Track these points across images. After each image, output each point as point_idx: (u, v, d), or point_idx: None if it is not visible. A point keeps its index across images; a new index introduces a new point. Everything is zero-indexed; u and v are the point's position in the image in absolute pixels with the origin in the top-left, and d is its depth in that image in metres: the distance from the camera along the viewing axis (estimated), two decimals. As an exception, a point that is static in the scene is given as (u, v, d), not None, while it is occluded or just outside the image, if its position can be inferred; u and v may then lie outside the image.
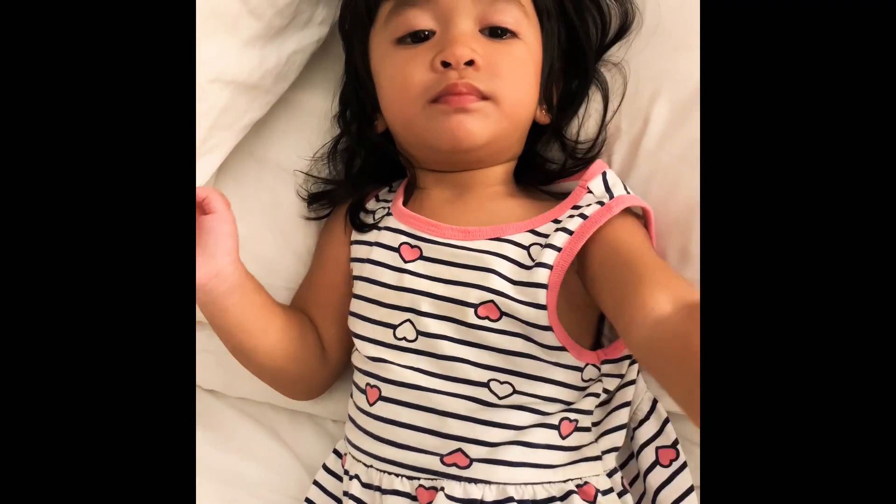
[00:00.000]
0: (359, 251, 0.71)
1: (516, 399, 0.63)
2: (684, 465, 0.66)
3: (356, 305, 0.69)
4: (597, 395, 0.66)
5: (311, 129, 0.77)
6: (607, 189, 0.66)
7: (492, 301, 0.63)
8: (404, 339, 0.65)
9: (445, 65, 0.65)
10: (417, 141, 0.69)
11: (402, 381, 0.65)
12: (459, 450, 0.62)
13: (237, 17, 0.65)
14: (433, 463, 0.63)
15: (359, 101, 0.75)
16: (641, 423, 0.68)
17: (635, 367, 0.68)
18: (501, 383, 0.63)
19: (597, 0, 0.71)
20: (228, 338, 0.69)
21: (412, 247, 0.68)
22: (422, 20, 0.67)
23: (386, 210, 0.72)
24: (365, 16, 0.70)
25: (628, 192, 0.66)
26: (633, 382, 0.68)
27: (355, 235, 0.73)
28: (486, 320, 0.63)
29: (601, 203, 0.65)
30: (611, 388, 0.67)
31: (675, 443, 0.67)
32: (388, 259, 0.68)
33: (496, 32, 0.67)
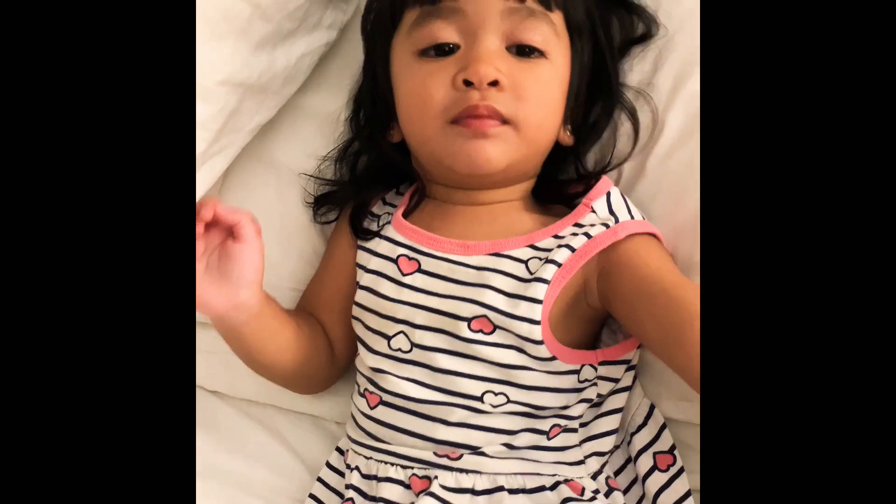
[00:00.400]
0: (361, 257, 0.71)
1: (510, 407, 0.63)
2: (681, 470, 0.66)
3: (356, 311, 0.70)
4: (589, 401, 0.66)
5: (315, 131, 0.77)
6: (611, 211, 0.66)
7: (484, 315, 0.63)
8: (399, 350, 0.65)
9: (468, 83, 0.63)
10: (433, 159, 0.68)
11: (399, 393, 0.65)
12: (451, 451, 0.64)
13: (248, 20, 0.66)
14: (426, 455, 0.63)
15: (374, 106, 0.73)
16: (639, 428, 0.68)
17: (631, 373, 0.68)
18: (496, 394, 0.63)
19: (621, 16, 0.70)
20: (244, 356, 0.69)
21: (410, 259, 0.67)
22: (446, 33, 0.64)
23: (390, 218, 0.72)
24: (389, 21, 0.68)
25: (632, 216, 0.66)
26: (626, 389, 0.68)
27: (361, 241, 0.72)
28: (480, 333, 0.63)
29: (606, 225, 0.64)
30: (604, 392, 0.67)
31: (673, 448, 0.67)
32: (386, 269, 0.68)
33: (524, 51, 0.65)
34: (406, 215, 0.71)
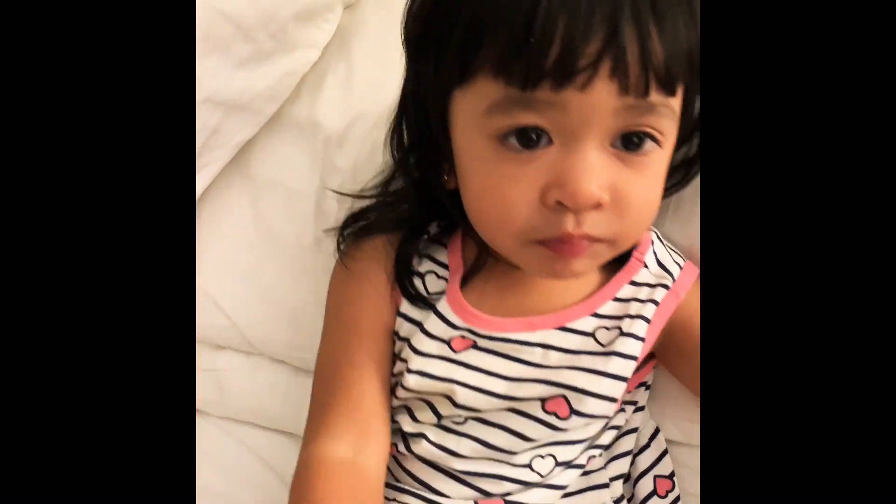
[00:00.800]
0: (402, 327, 0.61)
1: (557, 471, 0.60)
2: (678, 499, 0.65)
3: (392, 380, 0.62)
4: (618, 427, 0.64)
5: (291, 141, 0.75)
6: (660, 264, 0.61)
7: (563, 396, 0.58)
8: (450, 419, 0.60)
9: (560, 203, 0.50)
10: (504, 254, 0.57)
11: (435, 464, 0.60)
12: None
13: (230, 39, 0.65)
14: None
15: (422, 140, 0.59)
16: (642, 450, 0.67)
17: (647, 393, 0.67)
18: (543, 458, 0.60)
19: None
20: None
21: (464, 338, 0.60)
22: (537, 121, 0.49)
23: (441, 285, 0.61)
24: (456, 71, 0.50)
25: (676, 262, 0.62)
26: (642, 408, 0.66)
27: (404, 306, 0.61)
28: (553, 416, 0.58)
29: (665, 286, 0.60)
30: (628, 416, 0.65)
31: (672, 474, 0.66)
32: (434, 350, 0.59)
33: (632, 142, 0.50)
34: (463, 282, 0.61)
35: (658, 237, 0.64)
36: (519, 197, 0.50)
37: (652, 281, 0.61)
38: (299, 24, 0.71)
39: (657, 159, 0.52)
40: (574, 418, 0.58)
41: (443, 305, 0.60)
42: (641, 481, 0.66)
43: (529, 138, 0.49)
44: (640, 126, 0.49)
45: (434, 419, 0.60)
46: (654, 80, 0.47)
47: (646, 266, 0.61)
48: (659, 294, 0.60)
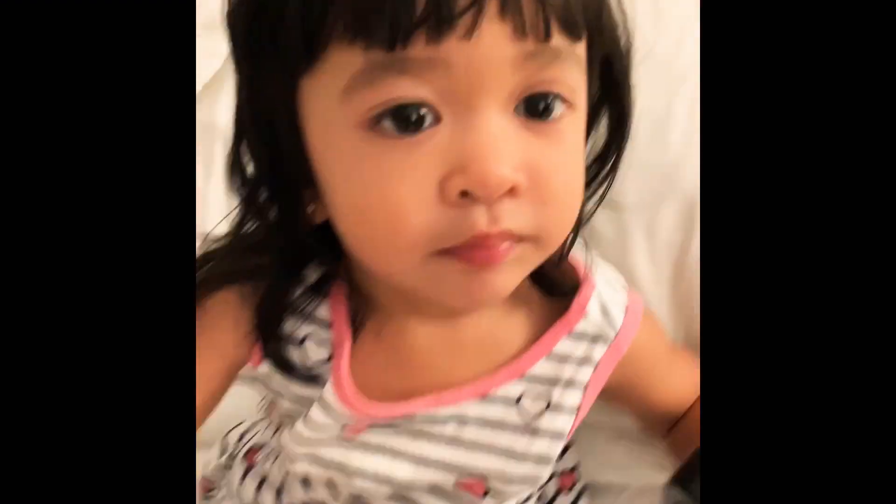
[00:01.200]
0: (285, 395, 0.52)
1: None
2: (585, 488, 0.64)
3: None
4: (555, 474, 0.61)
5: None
6: (603, 310, 0.53)
7: (480, 481, 0.52)
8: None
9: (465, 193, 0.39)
10: (401, 285, 0.45)
11: None
12: None
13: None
14: None
15: (272, 167, 0.46)
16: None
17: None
18: None
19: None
20: None
21: (358, 423, 0.51)
22: (414, 90, 0.38)
23: (324, 351, 0.51)
24: (301, 53, 0.39)
25: (619, 302, 0.54)
26: (570, 445, 0.62)
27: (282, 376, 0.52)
28: (468, 494, 0.52)
29: (604, 339, 0.53)
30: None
31: (574, 467, 0.65)
32: (322, 435, 0.51)
33: (537, 108, 0.41)
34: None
35: (601, 275, 0.56)
36: (410, 196, 0.39)
37: (591, 331, 0.53)
38: (200, 35, 0.70)
39: (572, 127, 0.43)
40: (489, 499, 0.53)
41: (328, 393, 0.50)
42: (547, 485, 0.65)
43: (408, 119, 0.39)
44: (546, 83, 0.40)
45: (332, 498, 0.54)
46: (555, 17, 0.38)
47: (587, 314, 0.53)
48: (598, 351, 0.52)
